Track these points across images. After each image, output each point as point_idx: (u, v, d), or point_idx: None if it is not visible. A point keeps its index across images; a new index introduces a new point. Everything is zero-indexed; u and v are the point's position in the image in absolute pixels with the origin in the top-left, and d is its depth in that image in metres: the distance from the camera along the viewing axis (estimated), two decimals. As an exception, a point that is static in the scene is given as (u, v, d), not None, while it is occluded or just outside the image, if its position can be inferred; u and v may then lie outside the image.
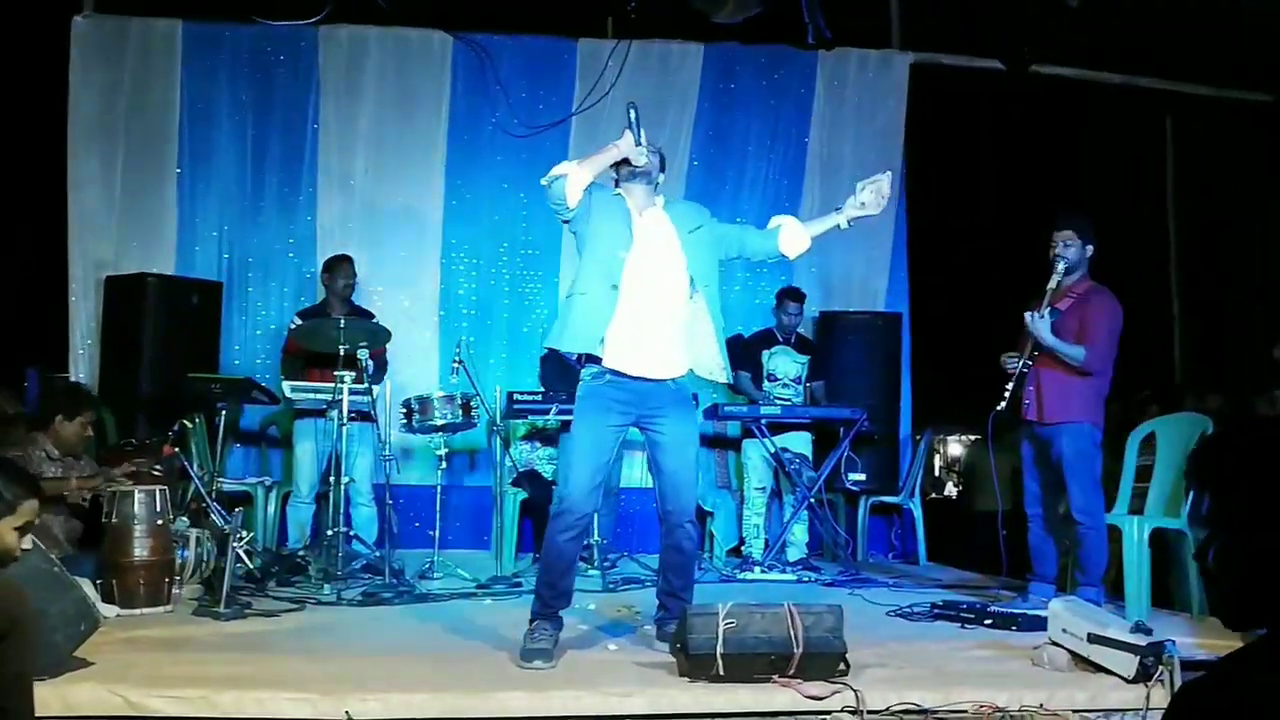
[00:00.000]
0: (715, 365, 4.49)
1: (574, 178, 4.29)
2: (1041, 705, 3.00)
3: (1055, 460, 5.62)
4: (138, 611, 4.92)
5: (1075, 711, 3.03)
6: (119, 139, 7.58)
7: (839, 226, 4.61)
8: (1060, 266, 5.62)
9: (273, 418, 7.59)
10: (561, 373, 6.78)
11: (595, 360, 4.36)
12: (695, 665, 3.93)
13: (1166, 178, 9.24)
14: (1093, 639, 4.20)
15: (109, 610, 4.76)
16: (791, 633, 3.98)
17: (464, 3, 7.89)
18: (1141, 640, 4.08)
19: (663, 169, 4.53)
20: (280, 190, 7.84)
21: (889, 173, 4.59)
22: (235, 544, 5.09)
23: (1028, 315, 5.63)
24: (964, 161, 8.23)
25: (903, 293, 8.50)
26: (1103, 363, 5.58)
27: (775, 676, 3.88)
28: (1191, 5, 7.58)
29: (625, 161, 4.41)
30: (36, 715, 3.44)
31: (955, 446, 8.56)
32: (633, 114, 4.36)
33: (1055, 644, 4.34)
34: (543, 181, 4.36)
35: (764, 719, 3.80)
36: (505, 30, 8.00)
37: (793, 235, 4.57)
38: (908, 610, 5.58)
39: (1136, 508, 5.84)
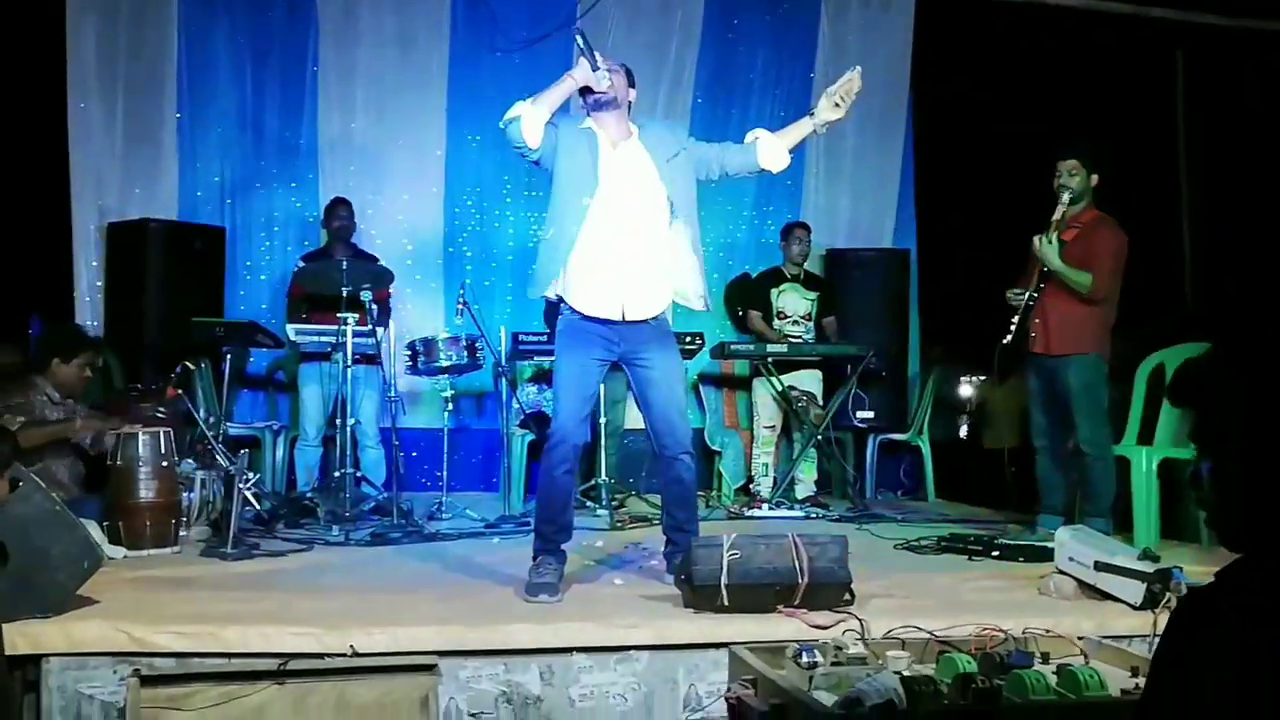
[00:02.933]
0: (695, 294, 4.42)
1: (528, 117, 4.18)
2: (1048, 630, 2.96)
3: (1062, 391, 5.60)
4: (144, 553, 4.92)
5: (1080, 638, 2.98)
6: (118, 86, 7.49)
7: (815, 132, 4.44)
8: (1065, 196, 5.56)
9: (279, 363, 7.58)
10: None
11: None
12: (700, 596, 3.92)
13: (1177, 111, 9.09)
14: (1100, 567, 4.18)
15: (115, 551, 4.77)
16: (796, 563, 3.96)
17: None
18: (1149, 567, 4.06)
19: (632, 85, 4.40)
20: (281, 134, 7.76)
21: (858, 68, 4.39)
22: (241, 485, 5.07)
23: (1035, 239, 5.59)
24: (972, 96, 8.08)
25: (910, 230, 8.44)
26: (1108, 290, 5.54)
27: (780, 607, 3.86)
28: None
29: (589, 90, 4.28)
30: (41, 653, 3.47)
31: (965, 387, 8.48)
32: (580, 40, 4.22)
33: (1062, 573, 4.32)
34: (500, 124, 4.26)
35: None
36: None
37: (770, 149, 4.42)
38: (915, 544, 5.57)
39: (1145, 439, 5.81)
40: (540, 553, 4.32)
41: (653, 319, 4.37)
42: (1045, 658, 2.73)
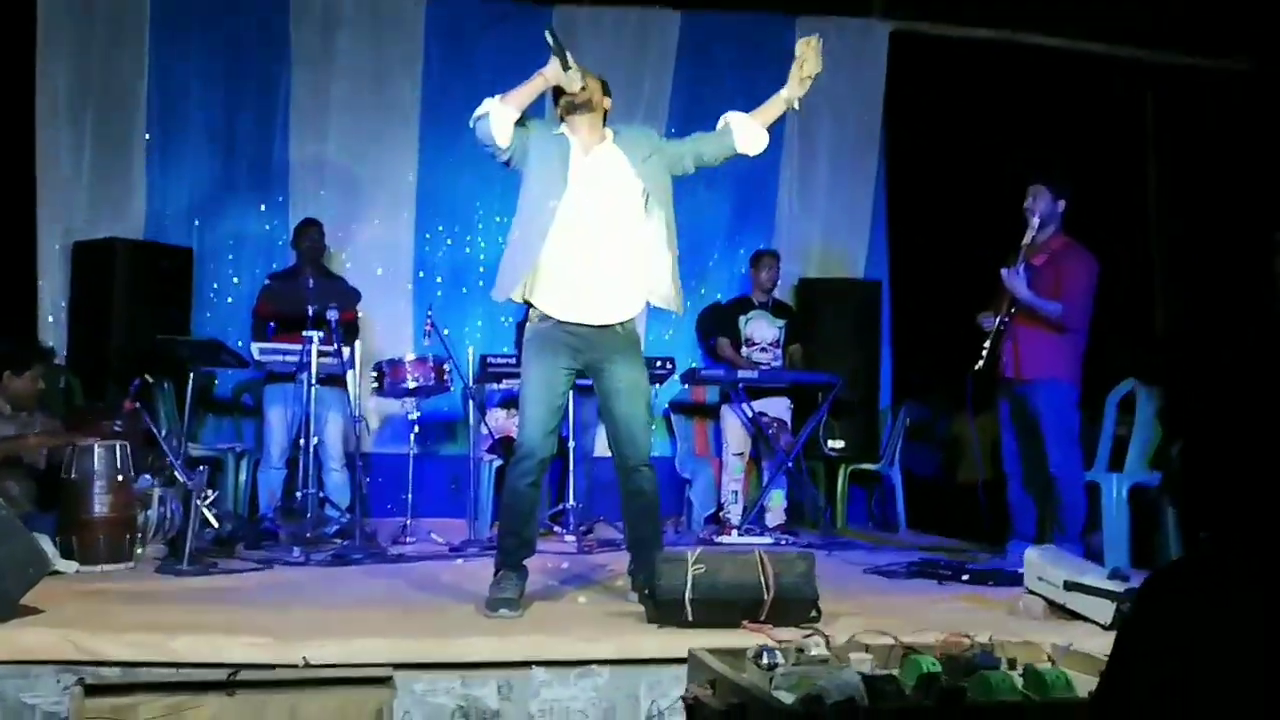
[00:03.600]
0: (670, 295, 4.34)
1: (496, 114, 4.12)
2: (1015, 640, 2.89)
3: (1032, 417, 5.57)
4: (97, 568, 4.80)
5: (1052, 645, 2.92)
6: (88, 106, 7.42)
7: (793, 108, 4.38)
8: (1034, 221, 5.56)
9: (245, 386, 7.48)
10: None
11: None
12: (664, 611, 3.84)
13: (1147, 147, 9.15)
14: (1069, 586, 4.12)
15: (68, 566, 4.66)
16: (762, 578, 3.89)
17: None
18: (1119, 587, 4.00)
19: (607, 93, 4.34)
20: (252, 158, 7.69)
21: (816, 35, 4.33)
22: (199, 501, 4.97)
23: (1004, 271, 5.58)
24: (944, 131, 8.09)
25: (882, 261, 8.41)
26: (1079, 318, 5.52)
27: (745, 623, 3.77)
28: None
29: (561, 92, 4.25)
30: (-17, 660, 3.36)
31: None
32: (550, 39, 4.14)
33: (1032, 593, 4.26)
34: (470, 123, 4.20)
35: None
36: (479, -2, 7.88)
37: (745, 130, 4.35)
38: (884, 568, 5.50)
39: (1116, 465, 5.78)
40: (502, 567, 4.23)
41: (621, 326, 4.30)
42: (1012, 663, 2.66)
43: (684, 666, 3.40)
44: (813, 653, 2.58)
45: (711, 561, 3.92)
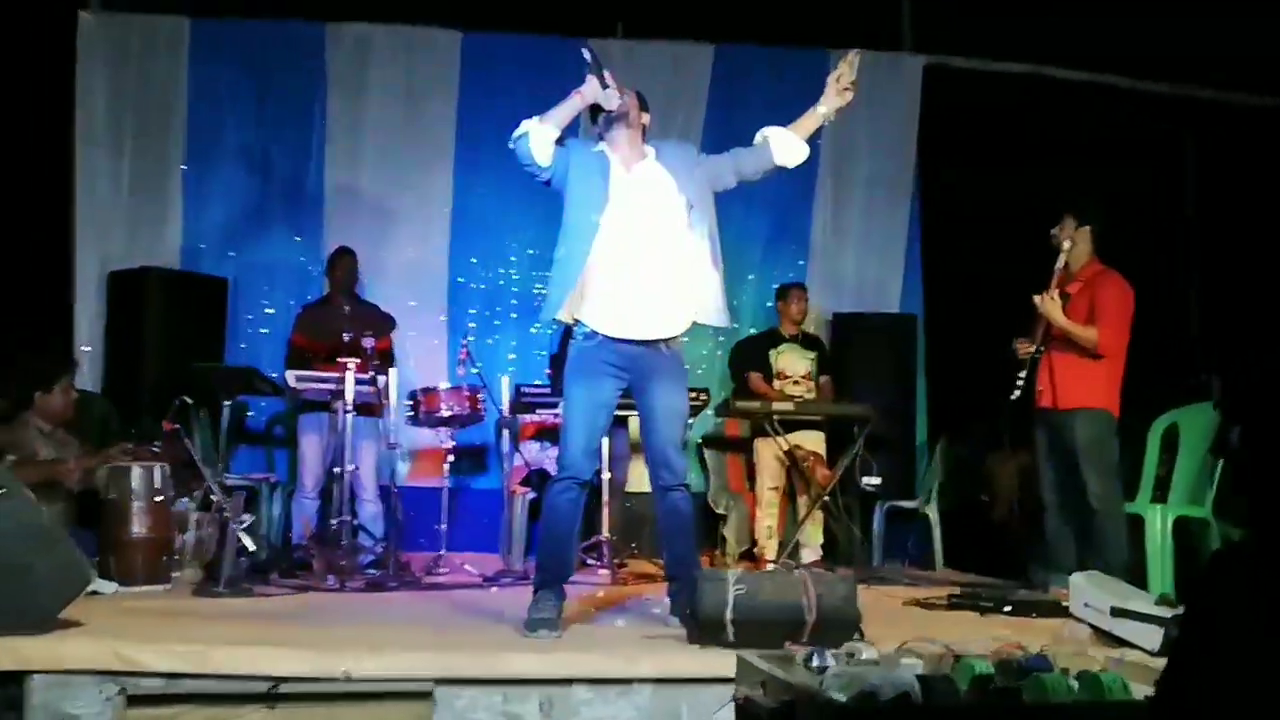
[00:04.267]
0: (715, 309, 4.37)
1: (536, 134, 4.19)
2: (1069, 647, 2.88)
3: (1070, 446, 5.54)
4: (135, 589, 4.84)
5: (1107, 656, 2.91)
6: (126, 135, 7.57)
7: (826, 120, 4.41)
8: (1066, 245, 5.59)
9: (279, 418, 7.53)
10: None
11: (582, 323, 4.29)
12: (705, 631, 3.84)
13: (1185, 182, 9.15)
14: (1115, 612, 4.10)
15: (106, 587, 4.69)
16: (805, 600, 3.88)
17: (472, 1, 7.88)
18: (1166, 613, 3.97)
19: (644, 108, 4.41)
20: (286, 188, 7.80)
21: (856, 51, 4.36)
22: (235, 525, 5.01)
23: (1037, 298, 5.59)
24: (978, 164, 8.13)
25: (917, 295, 8.42)
26: (1115, 344, 5.51)
27: (788, 644, 3.77)
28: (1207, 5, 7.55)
29: (599, 110, 4.31)
30: (25, 669, 3.39)
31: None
32: (588, 55, 4.21)
33: (1077, 619, 4.24)
34: (510, 144, 4.26)
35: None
36: (513, 29, 7.97)
37: (783, 144, 4.39)
38: (924, 601, 5.47)
39: (1159, 498, 5.76)
40: (540, 588, 4.24)
41: (667, 346, 4.32)
42: (1065, 672, 2.65)
43: (726, 686, 3.41)
44: (863, 656, 2.59)
45: (752, 582, 3.92)
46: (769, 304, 8.18)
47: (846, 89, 4.33)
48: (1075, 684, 2.40)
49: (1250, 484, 1.71)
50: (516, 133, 4.24)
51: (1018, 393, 5.59)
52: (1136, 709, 2.28)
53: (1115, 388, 5.55)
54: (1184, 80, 8.56)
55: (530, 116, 7.19)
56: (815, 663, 2.52)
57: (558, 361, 7.15)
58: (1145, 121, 8.61)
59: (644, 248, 4.26)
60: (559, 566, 4.28)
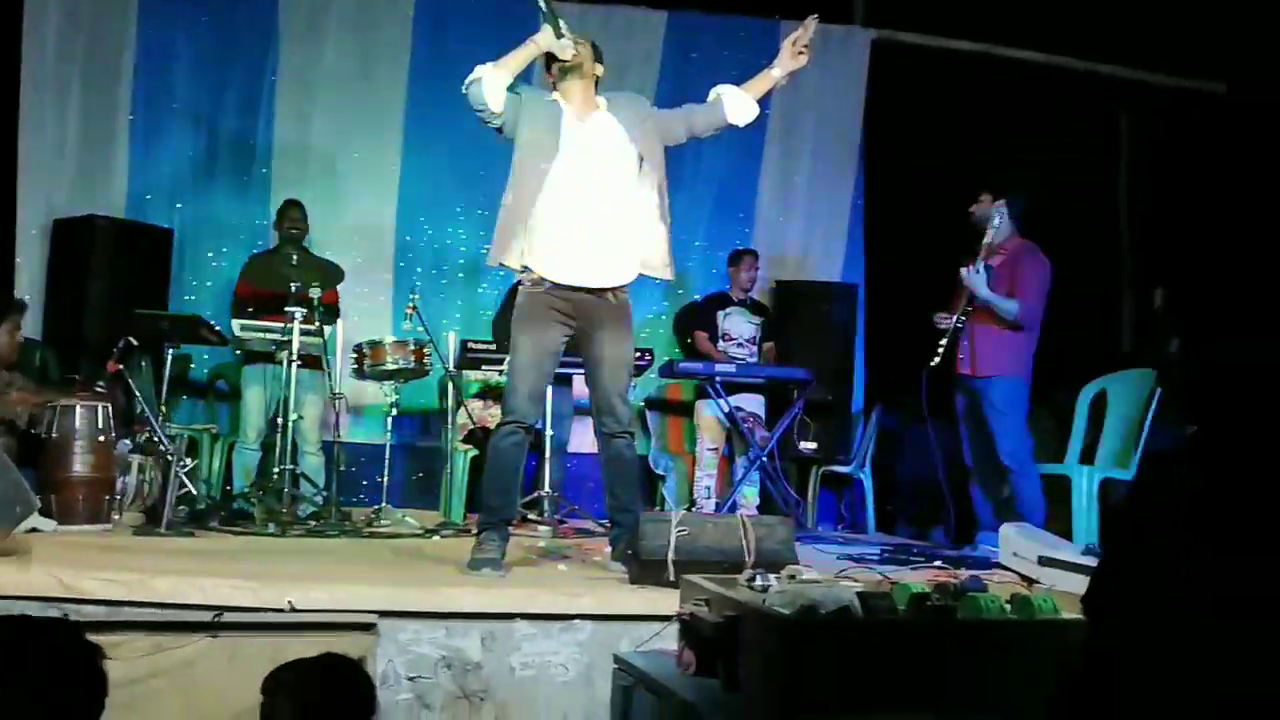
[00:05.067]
0: (661, 263, 4.41)
1: (489, 79, 4.19)
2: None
3: (985, 411, 5.69)
4: (76, 528, 4.78)
5: (1032, 582, 2.97)
6: (73, 84, 7.40)
7: (777, 84, 4.50)
8: (995, 220, 5.71)
9: (221, 369, 7.44)
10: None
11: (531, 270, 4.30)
12: (646, 571, 3.89)
13: (1119, 163, 9.31)
14: (1044, 561, 4.21)
15: (46, 524, 4.62)
16: (744, 543, 3.95)
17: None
18: (1092, 562, 4.07)
19: (599, 60, 4.42)
20: (235, 141, 7.69)
21: (811, 18, 4.43)
22: (178, 468, 4.97)
23: (963, 270, 5.73)
24: (923, 139, 8.21)
25: (859, 266, 8.51)
26: (1033, 316, 5.68)
27: (727, 583, 3.82)
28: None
29: (553, 58, 4.31)
30: (-34, 594, 3.34)
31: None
32: (542, 3, 4.20)
33: (1005, 568, 4.33)
34: (462, 89, 4.26)
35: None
36: (468, -10, 7.94)
37: (736, 101, 4.45)
38: (857, 557, 5.54)
39: (1086, 460, 5.89)
40: (485, 527, 4.26)
41: (614, 295, 4.34)
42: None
43: (666, 624, 3.45)
44: (804, 577, 2.63)
45: (694, 525, 3.98)
46: (714, 271, 8.22)
47: (800, 53, 4.38)
48: (1008, 605, 2.46)
49: (1187, 388, 1.76)
50: (470, 78, 4.23)
51: (937, 360, 5.73)
52: (1066, 626, 2.35)
53: (1030, 356, 5.72)
54: (1126, 63, 8.69)
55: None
56: (758, 583, 2.56)
57: (499, 322, 7.15)
58: (1087, 102, 8.73)
59: (593, 197, 4.27)
60: (503, 508, 4.30)
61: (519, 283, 4.42)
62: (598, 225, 4.26)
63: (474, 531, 4.42)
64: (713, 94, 4.51)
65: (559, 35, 4.21)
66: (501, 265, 4.36)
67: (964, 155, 8.04)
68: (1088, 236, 8.44)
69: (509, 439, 4.24)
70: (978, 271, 5.66)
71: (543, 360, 4.30)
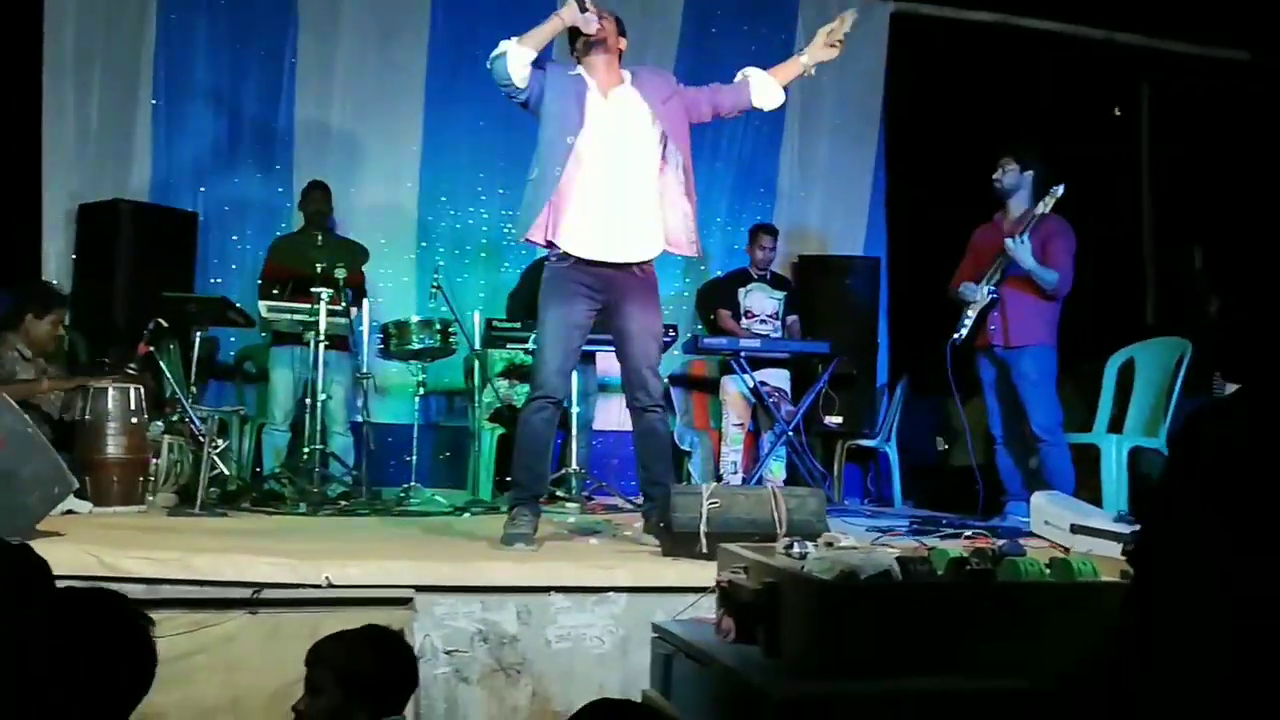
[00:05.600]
0: (686, 240, 4.42)
1: (514, 54, 4.18)
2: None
3: (1016, 381, 5.64)
4: (110, 509, 4.82)
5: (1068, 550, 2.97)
6: (94, 70, 7.41)
7: (805, 72, 4.53)
8: (1049, 198, 5.62)
9: (248, 352, 7.47)
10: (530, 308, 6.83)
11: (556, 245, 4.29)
12: (678, 543, 3.90)
13: (1141, 137, 9.25)
14: (1076, 529, 4.21)
15: (82, 506, 4.67)
16: (775, 514, 3.96)
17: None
18: (1125, 529, 4.07)
19: (622, 33, 4.42)
20: (257, 124, 7.69)
21: (852, 11, 4.47)
22: (210, 449, 5.00)
23: (1008, 241, 5.62)
24: (943, 112, 8.17)
25: (881, 240, 8.49)
26: (1068, 285, 5.60)
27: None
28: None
29: (577, 34, 4.30)
30: (9, 573, 3.37)
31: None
32: None
33: (1037, 536, 4.33)
34: (487, 64, 4.26)
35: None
36: (487, -32, 7.92)
37: (763, 85, 4.47)
38: (887, 529, 5.55)
39: (1114, 430, 5.87)
40: (516, 503, 4.29)
41: (640, 268, 4.35)
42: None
43: (701, 595, 3.46)
44: (842, 543, 2.64)
45: (725, 497, 3.98)
46: (736, 247, 8.20)
47: (833, 45, 4.37)
48: (1047, 569, 2.46)
49: (1229, 345, 1.76)
50: (495, 52, 4.23)
51: (963, 331, 5.70)
52: (1105, 588, 2.35)
53: (1057, 324, 5.68)
54: (1145, 31, 8.62)
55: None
56: (796, 550, 2.57)
57: (516, 297, 7.16)
58: (1107, 71, 8.67)
59: (618, 172, 4.27)
60: (534, 482, 4.33)
61: (546, 259, 4.42)
62: (623, 200, 4.26)
63: (504, 508, 4.45)
64: (740, 75, 4.51)
65: (583, 9, 4.21)
66: (528, 241, 4.36)
67: (985, 127, 8.00)
68: (1110, 207, 8.38)
69: (538, 414, 4.26)
70: (1023, 241, 5.57)
71: (570, 335, 4.31)
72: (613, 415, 7.61)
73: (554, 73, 4.31)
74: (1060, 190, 5.59)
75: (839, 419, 7.52)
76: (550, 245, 4.32)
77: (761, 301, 7.45)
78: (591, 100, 4.28)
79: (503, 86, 4.24)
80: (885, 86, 8.46)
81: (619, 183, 4.26)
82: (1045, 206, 5.61)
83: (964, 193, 7.77)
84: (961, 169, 7.90)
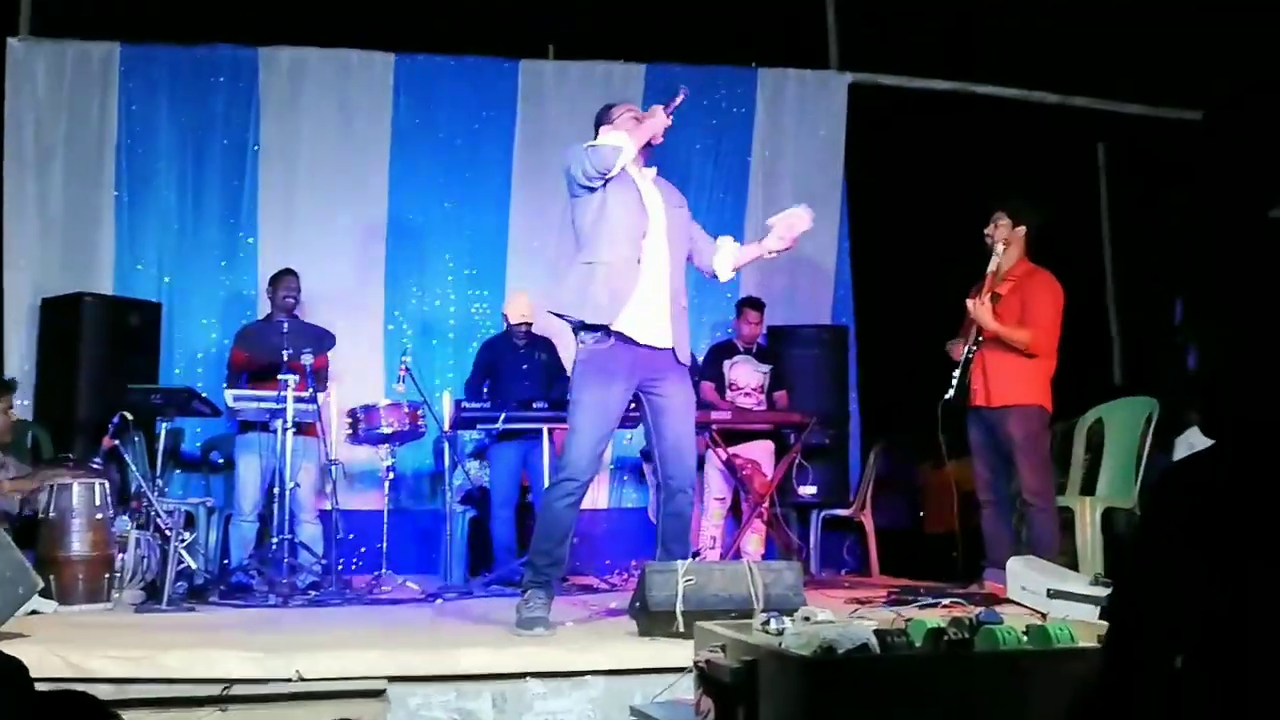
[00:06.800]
0: (683, 347, 4.49)
1: (626, 154, 4.28)
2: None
3: (1004, 443, 5.59)
4: (76, 608, 4.76)
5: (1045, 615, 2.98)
6: (56, 162, 7.46)
7: (762, 256, 4.75)
8: (999, 248, 5.66)
9: (214, 441, 7.43)
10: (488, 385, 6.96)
11: (597, 327, 4.32)
12: (654, 622, 3.88)
13: (1100, 197, 9.42)
14: (1053, 594, 4.21)
15: (46, 605, 4.60)
16: (752, 589, 3.95)
17: (406, 24, 7.90)
18: (1102, 592, 4.08)
19: None
20: (221, 212, 7.72)
21: (804, 206, 4.70)
22: (177, 542, 4.96)
23: (969, 302, 5.64)
24: (905, 178, 8.29)
25: (848, 307, 8.56)
26: (1047, 343, 5.57)
27: (738, 632, 3.82)
28: (1126, 23, 7.80)
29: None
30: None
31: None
32: (683, 96, 4.45)
33: (1014, 602, 4.33)
34: (589, 144, 4.32)
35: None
36: (446, 51, 8.03)
37: (725, 259, 4.70)
38: (865, 600, 5.53)
39: (1086, 491, 5.90)
40: (531, 585, 4.27)
41: (672, 350, 4.43)
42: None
43: (679, 676, 3.45)
44: (819, 618, 2.64)
45: (701, 574, 3.97)
46: (702, 319, 8.25)
47: (781, 237, 4.62)
48: (1024, 637, 2.46)
49: (1207, 397, 1.78)
50: (613, 141, 4.30)
51: (951, 392, 5.67)
52: (1083, 653, 2.35)
53: (1047, 384, 5.61)
54: (1100, 94, 8.81)
55: (464, 141, 7.39)
56: (773, 626, 2.56)
57: (473, 383, 7.17)
58: (1064, 134, 8.83)
59: (662, 259, 4.40)
60: (551, 567, 4.33)
61: (579, 339, 4.40)
62: (664, 287, 4.39)
63: (478, 593, 4.40)
64: (718, 241, 4.73)
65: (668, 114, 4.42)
66: (581, 324, 4.35)
67: (947, 193, 8.12)
68: (1073, 268, 8.49)
69: (564, 500, 4.27)
70: (984, 302, 5.58)
71: (607, 418, 4.33)
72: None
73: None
74: (1000, 247, 5.61)
75: (813, 489, 7.51)
76: (591, 327, 4.33)
77: (747, 374, 7.45)
78: (646, 192, 4.43)
79: (593, 172, 4.25)
80: (847, 154, 8.56)
81: (662, 271, 4.38)
82: (994, 264, 5.64)
83: (929, 256, 7.89)
84: (926, 233, 8.04)
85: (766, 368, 7.50)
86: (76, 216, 7.47)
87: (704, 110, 8.42)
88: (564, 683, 3.68)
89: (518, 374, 7.07)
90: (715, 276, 4.77)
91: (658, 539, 4.51)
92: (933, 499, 8.39)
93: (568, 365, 7.09)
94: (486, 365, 7.15)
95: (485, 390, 7.04)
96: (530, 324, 7.12)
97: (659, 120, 4.38)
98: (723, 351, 7.58)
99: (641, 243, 4.32)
